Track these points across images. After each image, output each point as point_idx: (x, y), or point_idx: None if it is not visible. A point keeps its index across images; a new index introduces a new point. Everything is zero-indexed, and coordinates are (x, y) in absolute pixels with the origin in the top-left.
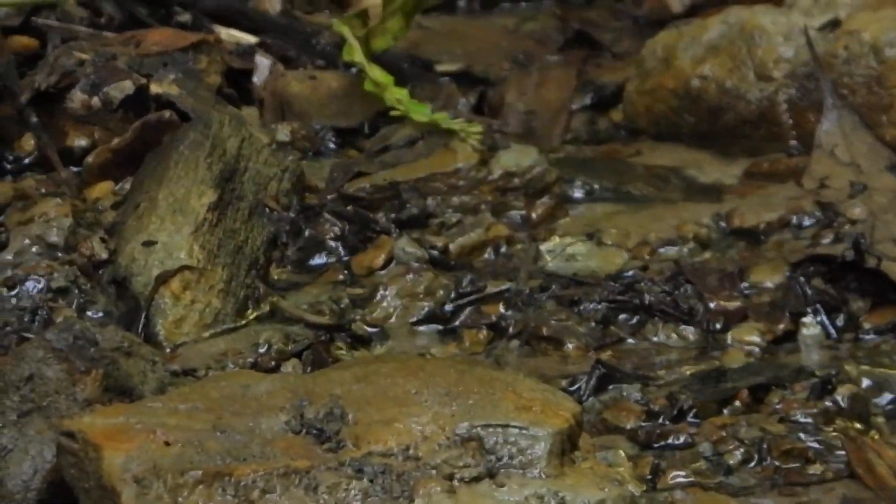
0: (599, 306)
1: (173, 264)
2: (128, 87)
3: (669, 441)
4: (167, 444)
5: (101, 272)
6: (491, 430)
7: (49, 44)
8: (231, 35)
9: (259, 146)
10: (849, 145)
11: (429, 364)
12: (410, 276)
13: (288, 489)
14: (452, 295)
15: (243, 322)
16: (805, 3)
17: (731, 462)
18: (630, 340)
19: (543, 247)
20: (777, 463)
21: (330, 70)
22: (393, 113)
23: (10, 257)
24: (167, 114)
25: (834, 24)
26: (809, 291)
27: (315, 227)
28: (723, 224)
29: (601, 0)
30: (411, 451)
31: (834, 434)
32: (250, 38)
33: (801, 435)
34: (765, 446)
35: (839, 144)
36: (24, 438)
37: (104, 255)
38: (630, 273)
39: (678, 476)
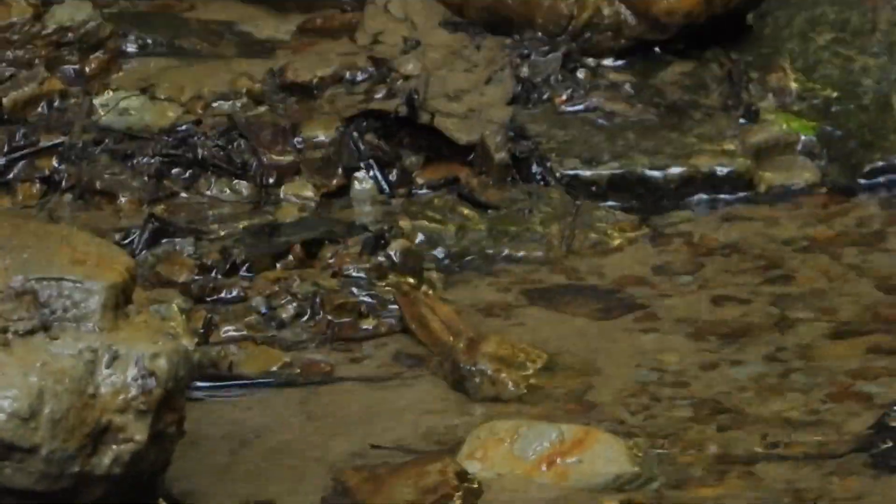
0: (153, 160)
1: None
2: None
3: (222, 295)
4: None
5: None
6: (45, 283)
7: None
8: None
9: None
10: (403, 1)
11: None
12: None
13: None
14: (6, 149)
15: None
16: None
17: (284, 316)
18: (183, 194)
19: (97, 101)
20: (330, 317)
21: None
22: None
23: None
24: None
25: None
26: (363, 146)
27: None
28: (276, 79)
29: None
30: None
31: (387, 289)
32: None
33: (354, 290)
34: (318, 301)
35: (393, 0)
36: None
37: None
38: (184, 127)
39: (231, 330)
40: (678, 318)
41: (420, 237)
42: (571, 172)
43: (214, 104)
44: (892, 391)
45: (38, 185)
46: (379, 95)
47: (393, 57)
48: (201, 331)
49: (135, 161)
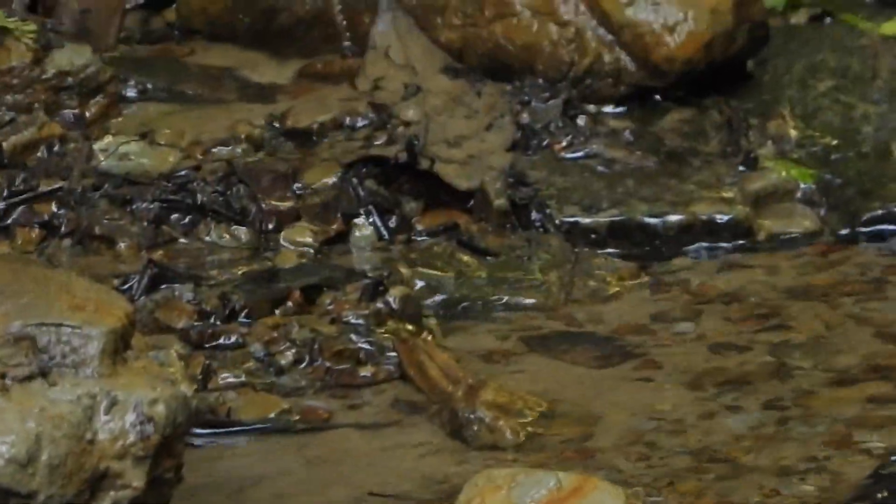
0: (152, 206)
1: None
2: None
3: (221, 341)
4: None
5: None
6: (44, 329)
7: None
8: None
9: None
10: (403, 47)
11: None
12: None
13: None
14: (5, 193)
15: None
16: None
17: (283, 363)
18: (183, 240)
19: (97, 146)
20: (328, 364)
21: None
22: None
23: None
24: None
25: None
26: (362, 192)
27: None
28: (276, 124)
29: None
30: None
31: (386, 336)
32: None
33: (353, 336)
34: (316, 347)
35: (393, 46)
36: None
37: None
38: (183, 173)
39: (229, 376)
40: (676, 367)
41: (419, 284)
42: (571, 219)
43: (214, 149)
44: (891, 440)
45: (37, 230)
46: (379, 141)
47: (393, 103)
48: (200, 377)
49: (134, 206)
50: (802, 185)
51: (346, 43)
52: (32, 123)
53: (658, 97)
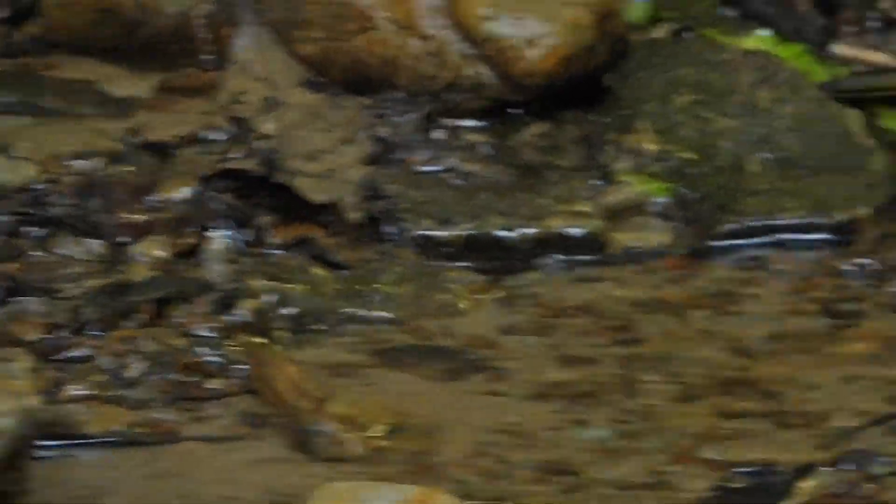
0: (6, 219)
1: None
2: None
3: (71, 354)
4: None
5: None
6: None
7: None
8: None
9: None
10: (264, 61)
11: None
12: None
13: None
14: None
15: None
16: None
17: (132, 375)
18: (36, 253)
19: None
20: (177, 377)
21: None
22: None
23: None
24: None
25: None
26: (217, 206)
27: None
28: (133, 138)
29: None
30: None
31: (236, 348)
32: None
33: (203, 349)
34: (166, 360)
35: (254, 60)
36: None
37: None
38: (39, 186)
39: (78, 389)
40: (525, 380)
41: (271, 296)
42: (426, 233)
43: (71, 163)
44: (735, 453)
45: None
46: (237, 155)
47: (252, 116)
48: (48, 390)
49: None
50: (659, 200)
51: (208, 56)
52: None
53: (518, 111)
